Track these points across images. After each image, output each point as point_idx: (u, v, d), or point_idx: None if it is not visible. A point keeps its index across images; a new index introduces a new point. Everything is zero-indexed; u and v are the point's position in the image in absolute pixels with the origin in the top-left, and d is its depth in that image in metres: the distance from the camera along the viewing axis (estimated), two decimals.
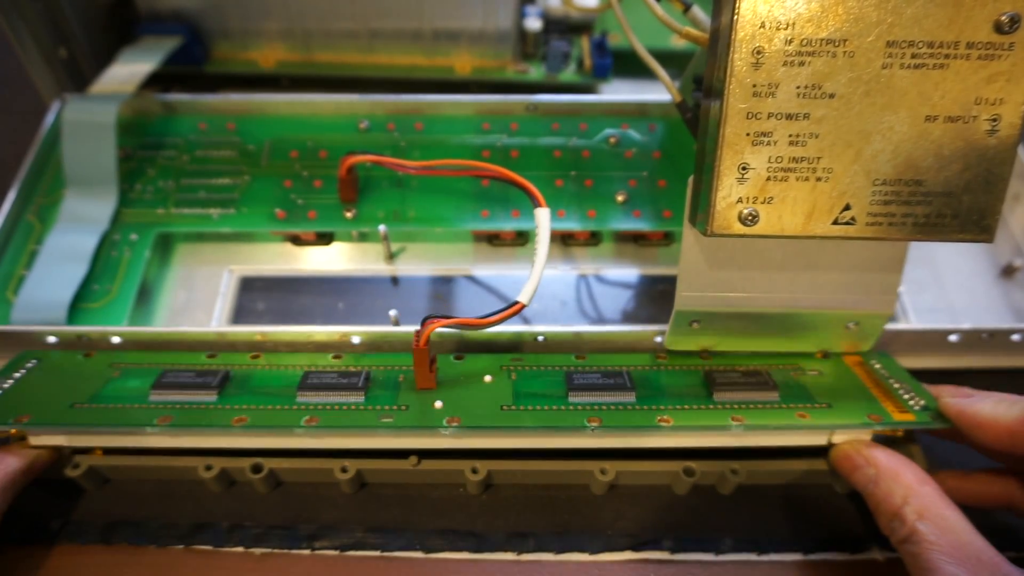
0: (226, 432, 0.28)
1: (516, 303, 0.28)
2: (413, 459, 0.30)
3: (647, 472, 0.30)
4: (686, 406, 0.29)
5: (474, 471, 0.29)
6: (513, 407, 0.29)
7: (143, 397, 0.29)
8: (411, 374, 0.30)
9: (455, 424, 0.28)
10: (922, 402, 0.29)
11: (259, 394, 0.29)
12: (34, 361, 0.31)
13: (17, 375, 0.30)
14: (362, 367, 0.31)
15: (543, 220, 0.30)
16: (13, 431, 0.28)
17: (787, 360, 0.31)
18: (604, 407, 0.29)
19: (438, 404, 0.29)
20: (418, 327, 0.31)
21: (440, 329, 0.28)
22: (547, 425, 0.28)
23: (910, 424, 0.28)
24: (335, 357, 0.32)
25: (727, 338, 0.31)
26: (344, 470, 0.29)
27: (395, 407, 0.29)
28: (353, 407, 0.29)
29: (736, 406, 0.29)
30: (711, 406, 0.29)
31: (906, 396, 0.29)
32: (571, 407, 0.29)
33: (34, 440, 0.29)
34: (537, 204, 0.31)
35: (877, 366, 0.31)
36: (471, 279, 0.37)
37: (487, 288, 0.37)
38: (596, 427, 0.28)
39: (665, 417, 0.28)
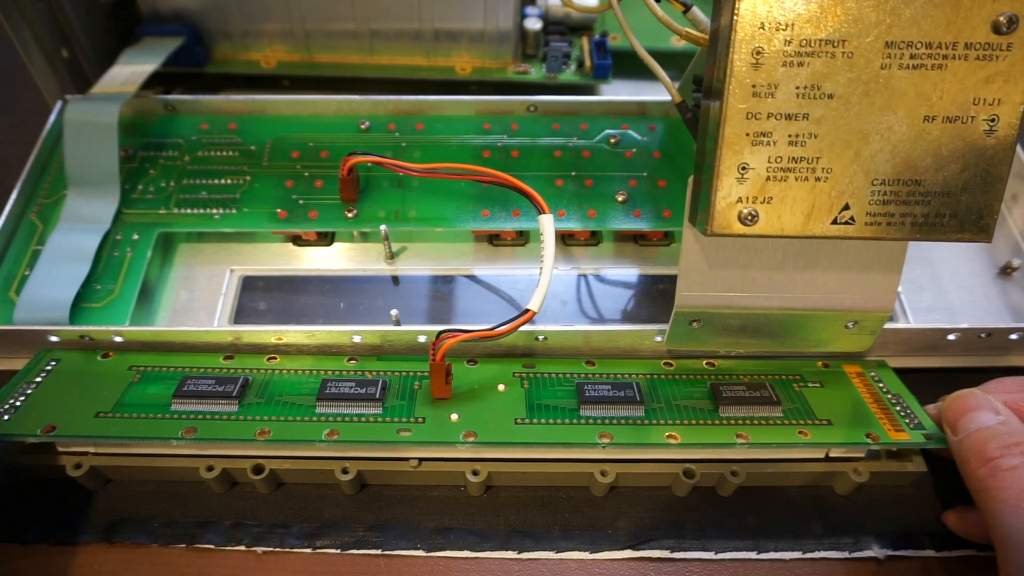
0: (249, 445, 0.29)
1: (527, 311, 0.28)
2: (414, 460, 0.30)
3: (647, 474, 0.30)
4: (693, 421, 0.29)
5: (475, 473, 0.29)
6: (526, 420, 0.29)
7: (165, 406, 0.29)
8: (426, 380, 0.30)
9: (471, 439, 0.28)
10: (916, 420, 0.30)
11: (278, 403, 0.30)
12: (54, 362, 0.31)
13: (39, 379, 0.30)
14: (378, 372, 0.31)
15: (548, 227, 0.30)
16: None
17: (790, 368, 0.32)
18: (614, 421, 0.29)
19: (454, 416, 0.29)
20: (419, 327, 0.32)
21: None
22: (560, 442, 0.28)
23: (905, 444, 0.29)
24: (350, 360, 0.32)
25: (727, 338, 0.31)
26: (345, 471, 0.29)
27: (412, 419, 0.29)
28: (371, 419, 0.29)
29: (740, 421, 0.29)
30: (717, 421, 0.29)
31: (902, 414, 0.30)
32: (583, 420, 0.29)
33: (61, 450, 0.29)
34: (540, 211, 0.31)
35: (875, 377, 0.32)
36: (472, 279, 0.37)
37: (488, 288, 0.37)
38: (607, 443, 0.28)
39: (672, 433, 0.29)
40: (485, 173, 0.33)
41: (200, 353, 0.32)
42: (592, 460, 0.30)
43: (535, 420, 0.29)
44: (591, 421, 0.29)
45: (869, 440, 0.29)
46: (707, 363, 0.32)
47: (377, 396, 0.29)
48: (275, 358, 0.32)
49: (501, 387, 0.31)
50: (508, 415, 0.29)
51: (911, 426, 0.29)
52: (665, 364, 0.32)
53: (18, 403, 0.29)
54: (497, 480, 0.30)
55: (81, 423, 0.29)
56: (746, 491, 0.31)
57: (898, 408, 0.30)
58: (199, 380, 0.30)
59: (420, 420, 0.29)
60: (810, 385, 0.31)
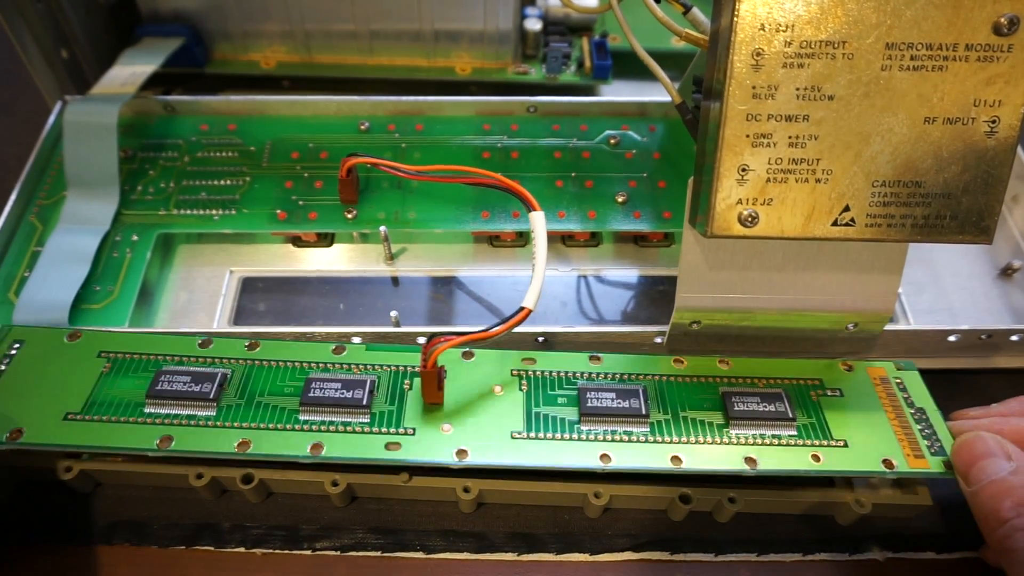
0: (228, 456, 0.27)
1: (522, 309, 0.28)
2: (404, 475, 0.29)
3: (642, 497, 0.29)
4: (700, 439, 0.28)
5: (466, 490, 0.29)
6: (523, 434, 0.28)
7: (139, 405, 0.28)
8: (417, 377, 0.29)
9: (464, 460, 0.27)
10: (939, 444, 0.28)
11: (259, 405, 0.28)
12: (17, 345, 0.30)
13: (3, 367, 0.29)
14: (366, 365, 0.30)
15: (538, 224, 0.30)
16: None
17: (810, 371, 0.30)
18: (616, 437, 0.28)
19: (446, 428, 0.28)
20: (419, 329, 0.32)
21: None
22: (557, 465, 0.27)
23: (924, 474, 0.27)
24: (335, 351, 0.30)
25: (727, 340, 0.31)
26: (335, 484, 0.29)
27: (401, 430, 0.28)
28: (358, 428, 0.28)
29: (750, 440, 0.28)
30: (725, 440, 0.28)
31: (924, 433, 0.28)
32: (583, 436, 0.28)
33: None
34: (531, 208, 0.31)
35: (900, 385, 0.30)
36: (471, 280, 0.37)
37: (487, 289, 0.37)
38: (608, 466, 0.27)
39: (678, 455, 0.27)
40: (474, 174, 0.33)
41: (174, 336, 0.31)
42: (586, 481, 0.29)
43: (532, 434, 0.28)
44: (592, 437, 0.28)
45: (885, 468, 0.27)
46: (720, 361, 0.30)
47: (364, 403, 0.28)
48: (256, 346, 0.30)
49: (498, 389, 0.29)
50: (504, 427, 0.28)
51: (932, 451, 0.28)
52: (675, 362, 0.30)
53: None
54: (488, 498, 0.30)
55: (49, 428, 0.27)
56: (744, 516, 0.30)
57: (920, 427, 0.28)
58: (173, 376, 0.28)
59: (410, 431, 0.28)
60: (829, 393, 0.29)
